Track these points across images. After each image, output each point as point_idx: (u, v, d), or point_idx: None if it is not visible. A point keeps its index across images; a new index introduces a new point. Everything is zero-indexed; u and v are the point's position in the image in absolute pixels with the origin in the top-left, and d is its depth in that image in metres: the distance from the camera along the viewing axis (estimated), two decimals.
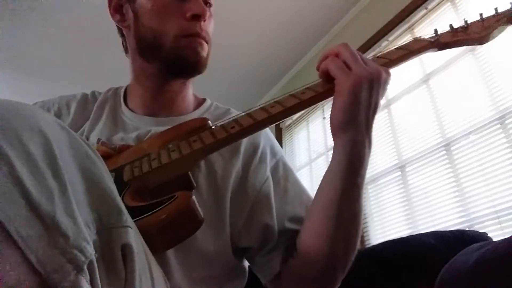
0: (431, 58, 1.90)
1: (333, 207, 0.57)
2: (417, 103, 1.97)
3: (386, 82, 0.57)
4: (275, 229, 0.65)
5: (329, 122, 0.57)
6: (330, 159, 0.59)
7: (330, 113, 0.57)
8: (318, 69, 0.60)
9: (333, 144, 0.59)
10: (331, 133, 0.58)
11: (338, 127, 0.56)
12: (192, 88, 0.81)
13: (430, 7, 2.03)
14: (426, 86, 1.95)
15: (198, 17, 0.69)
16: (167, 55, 0.70)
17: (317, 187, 0.61)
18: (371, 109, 0.56)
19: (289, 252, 0.64)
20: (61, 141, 0.31)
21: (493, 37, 0.64)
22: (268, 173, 0.70)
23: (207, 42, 0.72)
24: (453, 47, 0.67)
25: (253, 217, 0.66)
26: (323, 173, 0.60)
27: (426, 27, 2.06)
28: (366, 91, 0.54)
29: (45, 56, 2.88)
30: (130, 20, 0.73)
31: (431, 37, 0.67)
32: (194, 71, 0.73)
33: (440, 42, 0.66)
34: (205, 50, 0.71)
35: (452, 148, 1.71)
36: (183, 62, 0.70)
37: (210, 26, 0.74)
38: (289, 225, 0.66)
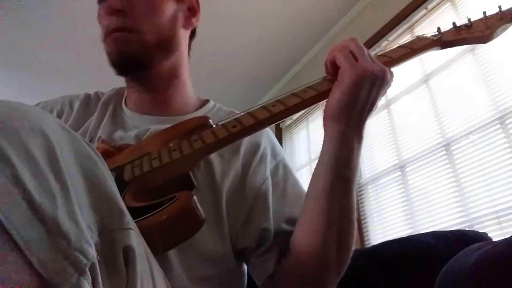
0: (431, 58, 1.90)
1: (323, 200, 0.56)
2: (417, 103, 1.97)
3: (388, 83, 0.57)
4: (271, 230, 0.64)
5: None
6: None
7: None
8: (326, 62, 0.59)
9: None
10: (322, 122, 0.58)
11: (331, 116, 0.56)
12: (191, 88, 0.80)
13: (430, 7, 2.03)
14: (426, 86, 1.95)
15: (110, 11, 0.67)
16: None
17: None
18: (367, 106, 0.56)
19: (283, 252, 0.63)
20: (62, 142, 0.31)
21: (497, 35, 0.64)
22: (268, 174, 0.69)
23: (130, 31, 0.67)
24: (456, 46, 0.66)
25: (250, 218, 0.65)
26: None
27: (426, 27, 2.06)
28: (368, 86, 0.54)
29: (48, 57, 2.87)
30: None
31: (434, 35, 0.66)
32: (127, 70, 0.72)
33: (443, 41, 0.65)
34: (125, 43, 0.67)
35: (452, 148, 1.71)
36: (112, 63, 0.69)
37: (136, 11, 0.68)
38: (285, 226, 0.65)
